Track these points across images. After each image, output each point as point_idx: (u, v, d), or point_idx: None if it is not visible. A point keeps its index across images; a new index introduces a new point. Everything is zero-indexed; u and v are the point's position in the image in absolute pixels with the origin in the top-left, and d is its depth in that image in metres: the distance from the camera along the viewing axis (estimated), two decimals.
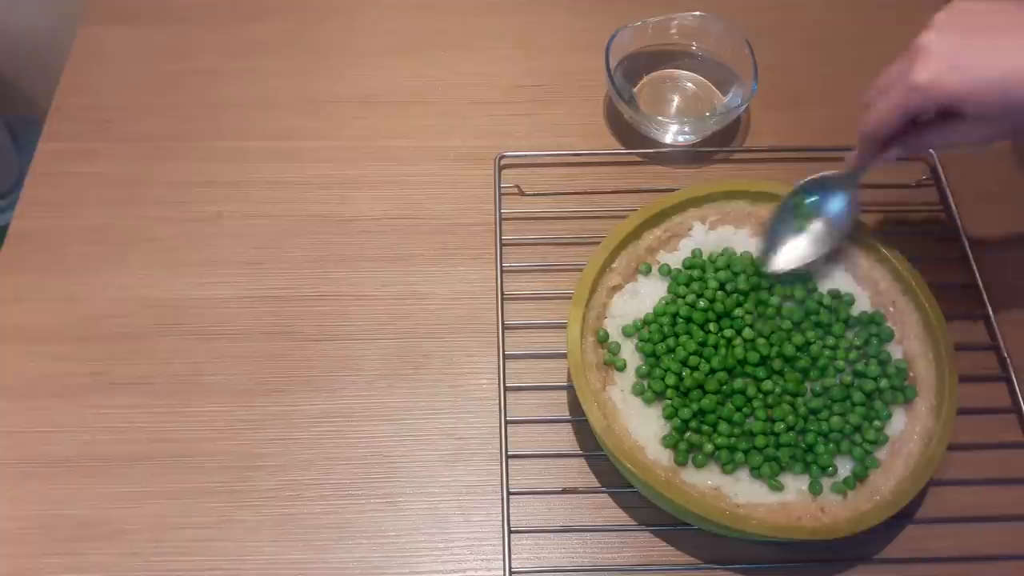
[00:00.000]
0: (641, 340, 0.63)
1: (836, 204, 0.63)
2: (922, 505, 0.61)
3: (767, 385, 0.61)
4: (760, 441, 0.58)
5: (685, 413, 0.59)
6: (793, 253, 0.64)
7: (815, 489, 0.57)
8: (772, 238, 0.64)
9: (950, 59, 0.50)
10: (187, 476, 0.63)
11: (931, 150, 0.55)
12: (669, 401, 0.60)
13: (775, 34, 0.84)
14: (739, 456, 0.58)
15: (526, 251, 0.72)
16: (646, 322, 0.63)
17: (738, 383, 0.60)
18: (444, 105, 0.81)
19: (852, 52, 0.83)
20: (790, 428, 0.59)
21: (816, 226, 0.64)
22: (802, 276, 0.64)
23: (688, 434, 0.59)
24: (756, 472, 0.58)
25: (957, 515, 0.61)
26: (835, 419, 0.59)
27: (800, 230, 0.63)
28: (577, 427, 0.65)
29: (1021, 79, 0.49)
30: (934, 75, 0.50)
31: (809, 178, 0.64)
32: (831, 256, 0.64)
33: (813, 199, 0.64)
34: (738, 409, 0.60)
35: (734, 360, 0.61)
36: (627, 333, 0.63)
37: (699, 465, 0.58)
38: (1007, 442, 0.64)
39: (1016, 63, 0.49)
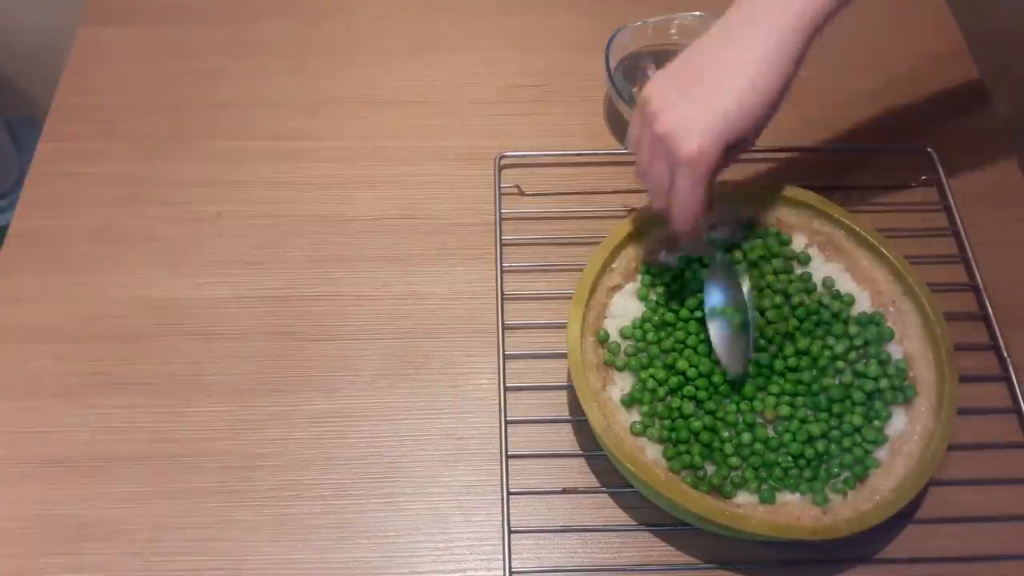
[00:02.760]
0: (635, 340, 0.63)
1: (726, 293, 0.63)
2: (922, 505, 0.61)
3: (771, 388, 0.61)
4: (755, 461, 0.59)
5: (683, 434, 0.59)
6: (741, 352, 0.61)
7: (818, 501, 0.57)
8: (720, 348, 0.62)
9: (680, 117, 0.56)
10: (187, 476, 0.63)
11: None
12: (665, 421, 0.60)
13: None
14: (737, 481, 0.58)
15: (526, 251, 0.72)
16: (634, 327, 0.64)
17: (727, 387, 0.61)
18: (444, 105, 0.81)
19: (851, 52, 0.83)
20: (796, 456, 0.59)
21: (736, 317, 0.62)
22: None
23: (683, 456, 0.59)
24: (755, 491, 0.58)
25: (957, 515, 0.61)
26: (834, 432, 0.60)
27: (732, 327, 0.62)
28: (577, 427, 0.64)
29: (730, 108, 0.55)
30: (693, 146, 0.55)
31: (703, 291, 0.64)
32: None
33: (713, 302, 0.63)
34: (732, 426, 0.60)
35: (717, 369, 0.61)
36: (624, 335, 0.63)
37: (695, 486, 0.58)
38: (1007, 442, 0.64)
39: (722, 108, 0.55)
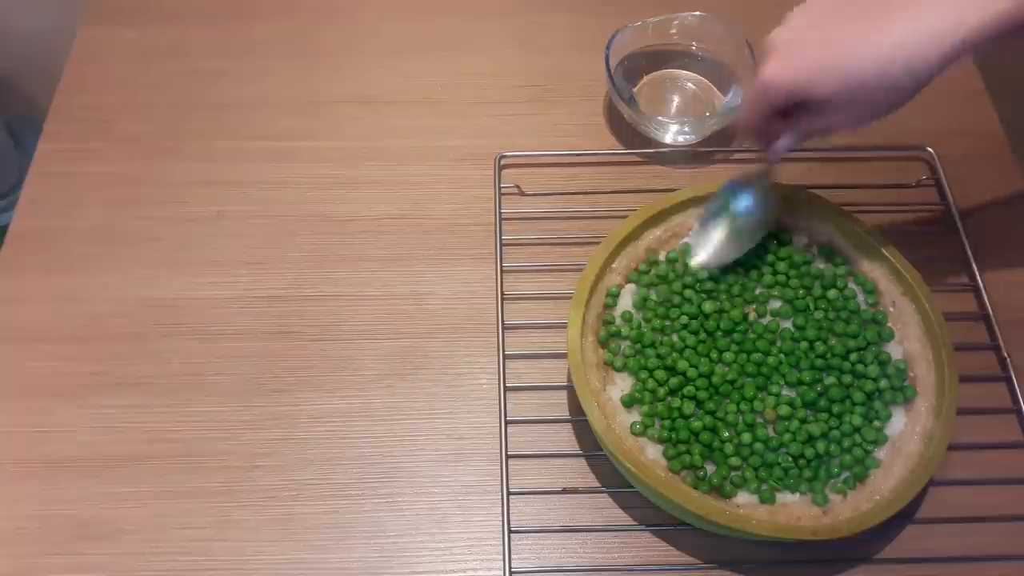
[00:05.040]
0: (634, 341, 0.63)
1: (752, 201, 0.65)
2: (922, 505, 0.61)
3: (770, 393, 0.61)
4: (755, 461, 0.59)
5: (683, 434, 0.59)
6: (718, 251, 0.65)
7: (818, 501, 0.57)
8: (699, 238, 0.66)
9: (792, 53, 0.52)
10: (187, 476, 0.63)
11: (823, 136, 0.60)
12: (665, 421, 0.60)
13: None
14: (737, 481, 0.58)
15: (526, 251, 0.72)
16: (633, 327, 0.64)
17: (728, 388, 0.61)
18: (444, 105, 0.81)
19: None
20: (796, 456, 0.59)
21: (737, 224, 0.65)
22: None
23: (683, 456, 0.59)
24: (755, 491, 0.58)
25: (957, 515, 0.61)
26: (834, 432, 0.60)
27: (723, 228, 0.65)
28: (577, 427, 0.65)
29: (853, 63, 0.51)
30: (776, 69, 0.53)
31: (727, 183, 0.66)
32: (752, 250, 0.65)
33: (731, 198, 0.65)
34: (732, 426, 0.60)
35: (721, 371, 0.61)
36: (624, 335, 0.63)
37: (695, 486, 0.58)
38: (1007, 442, 0.64)
39: (848, 49, 0.51)
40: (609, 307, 0.65)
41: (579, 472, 0.63)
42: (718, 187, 0.67)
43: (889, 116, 0.55)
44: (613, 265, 0.66)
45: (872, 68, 0.51)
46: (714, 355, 0.62)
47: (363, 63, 0.84)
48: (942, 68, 0.51)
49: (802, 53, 0.52)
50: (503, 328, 0.67)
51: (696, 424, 0.59)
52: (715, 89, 0.80)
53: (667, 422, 0.60)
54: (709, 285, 0.65)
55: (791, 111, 0.57)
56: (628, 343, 0.63)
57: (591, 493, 0.62)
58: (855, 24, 0.51)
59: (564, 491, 0.62)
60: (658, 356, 0.62)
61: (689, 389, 0.61)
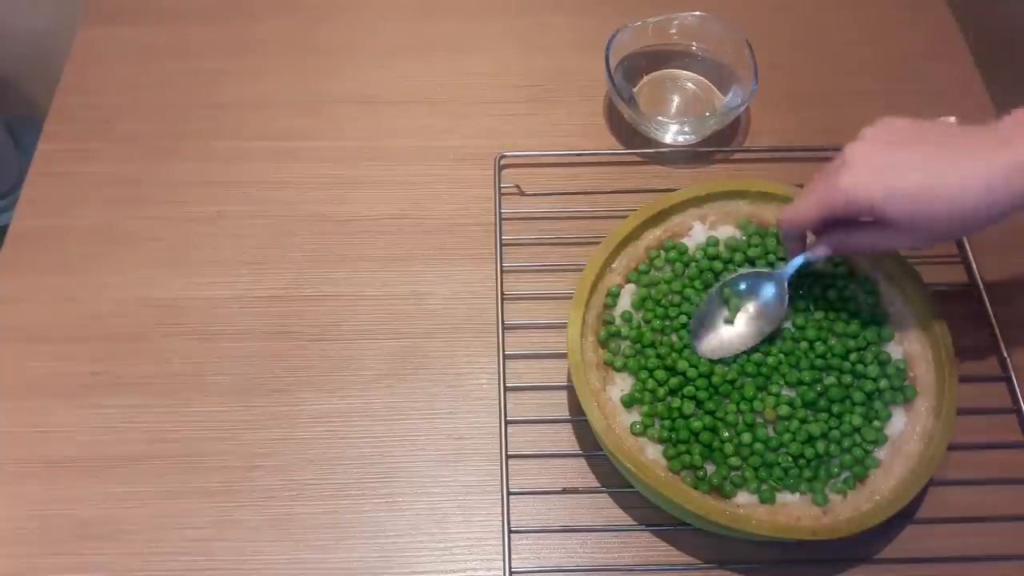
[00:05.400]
0: (634, 341, 0.63)
1: (768, 292, 0.63)
2: (922, 505, 0.61)
3: (770, 392, 0.61)
4: (755, 461, 0.59)
5: (683, 434, 0.59)
6: (724, 341, 0.63)
7: (818, 501, 0.57)
8: (702, 324, 0.63)
9: (872, 169, 0.53)
10: (187, 476, 0.63)
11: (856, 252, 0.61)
12: (665, 421, 0.60)
13: (775, 34, 0.84)
14: (737, 481, 0.58)
15: (526, 251, 0.72)
16: (633, 327, 0.64)
17: (728, 388, 0.61)
18: (444, 105, 0.81)
19: (852, 52, 0.84)
20: (796, 456, 0.59)
21: (747, 314, 0.63)
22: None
23: (683, 456, 0.59)
24: (755, 491, 0.58)
25: (957, 515, 0.61)
26: (834, 432, 0.60)
27: (731, 320, 0.63)
28: (577, 427, 0.64)
29: (926, 196, 0.52)
30: (856, 181, 0.53)
31: (741, 272, 0.64)
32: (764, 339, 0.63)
33: (743, 287, 0.64)
34: (732, 426, 0.60)
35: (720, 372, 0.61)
36: (624, 335, 0.63)
37: (695, 486, 0.58)
38: (1007, 442, 0.64)
39: (925, 182, 0.51)
40: (609, 307, 0.65)
41: (579, 472, 0.63)
42: (728, 275, 0.65)
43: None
44: (613, 265, 0.66)
45: (944, 202, 0.51)
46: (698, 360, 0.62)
47: (364, 63, 0.84)
48: (1014, 209, 0.51)
49: (882, 175, 0.53)
50: (503, 328, 0.67)
51: (696, 424, 0.59)
52: (715, 89, 0.80)
53: (667, 422, 0.60)
54: (709, 277, 0.65)
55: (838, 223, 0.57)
56: (628, 343, 0.63)
57: (591, 493, 0.62)
58: (933, 153, 0.52)
59: (564, 491, 0.62)
60: (658, 356, 0.62)
61: (689, 389, 0.61)
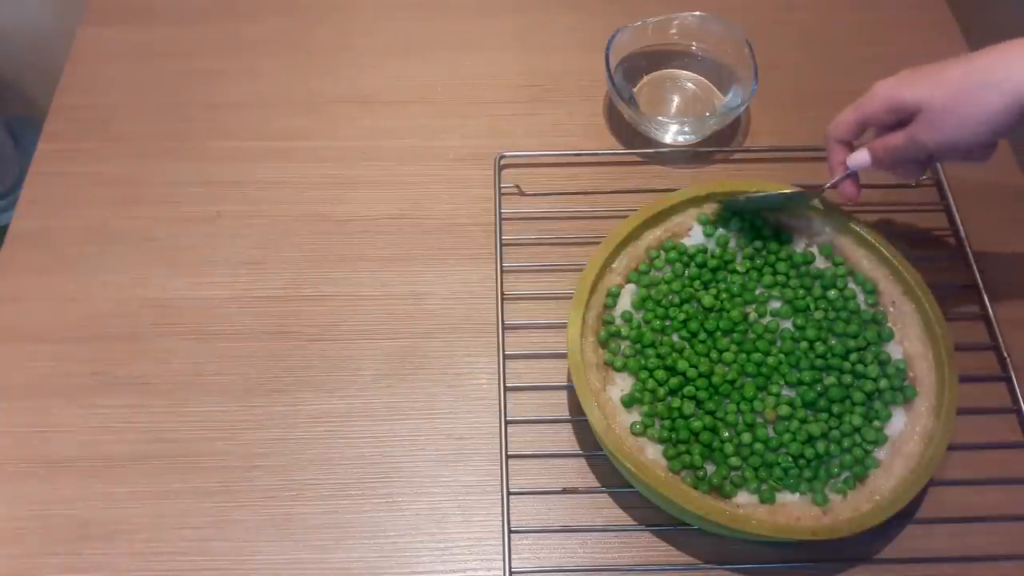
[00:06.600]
0: (634, 341, 0.63)
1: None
2: (922, 505, 0.61)
3: (770, 392, 0.61)
4: (755, 461, 0.59)
5: (683, 434, 0.59)
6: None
7: (818, 501, 0.57)
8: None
9: (907, 74, 0.58)
10: (187, 476, 0.63)
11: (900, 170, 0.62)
12: (665, 420, 0.60)
13: (775, 34, 0.84)
14: (737, 481, 0.58)
15: (526, 251, 0.72)
16: (633, 327, 0.64)
17: (729, 388, 0.61)
18: (444, 105, 0.81)
19: (852, 52, 0.84)
20: (796, 456, 0.59)
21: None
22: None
23: (683, 456, 0.59)
24: (755, 491, 0.58)
25: (957, 515, 0.61)
26: (834, 432, 0.60)
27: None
28: (577, 427, 0.64)
29: (965, 83, 0.55)
30: (895, 82, 0.59)
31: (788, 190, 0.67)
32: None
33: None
34: (732, 426, 0.60)
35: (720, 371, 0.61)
36: (624, 335, 0.63)
37: (695, 486, 0.58)
38: (1007, 442, 0.64)
39: (966, 67, 0.55)
40: (609, 307, 0.65)
41: (579, 472, 0.63)
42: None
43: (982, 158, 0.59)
44: (613, 265, 0.66)
45: (964, 76, 0.55)
46: (714, 355, 0.62)
47: (361, 63, 0.84)
48: None
49: (915, 73, 0.58)
50: (503, 328, 0.67)
51: (696, 424, 0.59)
52: (715, 89, 0.80)
53: (667, 422, 0.60)
54: (708, 276, 0.65)
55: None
56: (628, 343, 0.63)
57: (591, 493, 0.62)
58: (967, 58, 0.56)
59: (564, 491, 0.62)
60: (658, 356, 0.62)
61: (689, 389, 0.61)
